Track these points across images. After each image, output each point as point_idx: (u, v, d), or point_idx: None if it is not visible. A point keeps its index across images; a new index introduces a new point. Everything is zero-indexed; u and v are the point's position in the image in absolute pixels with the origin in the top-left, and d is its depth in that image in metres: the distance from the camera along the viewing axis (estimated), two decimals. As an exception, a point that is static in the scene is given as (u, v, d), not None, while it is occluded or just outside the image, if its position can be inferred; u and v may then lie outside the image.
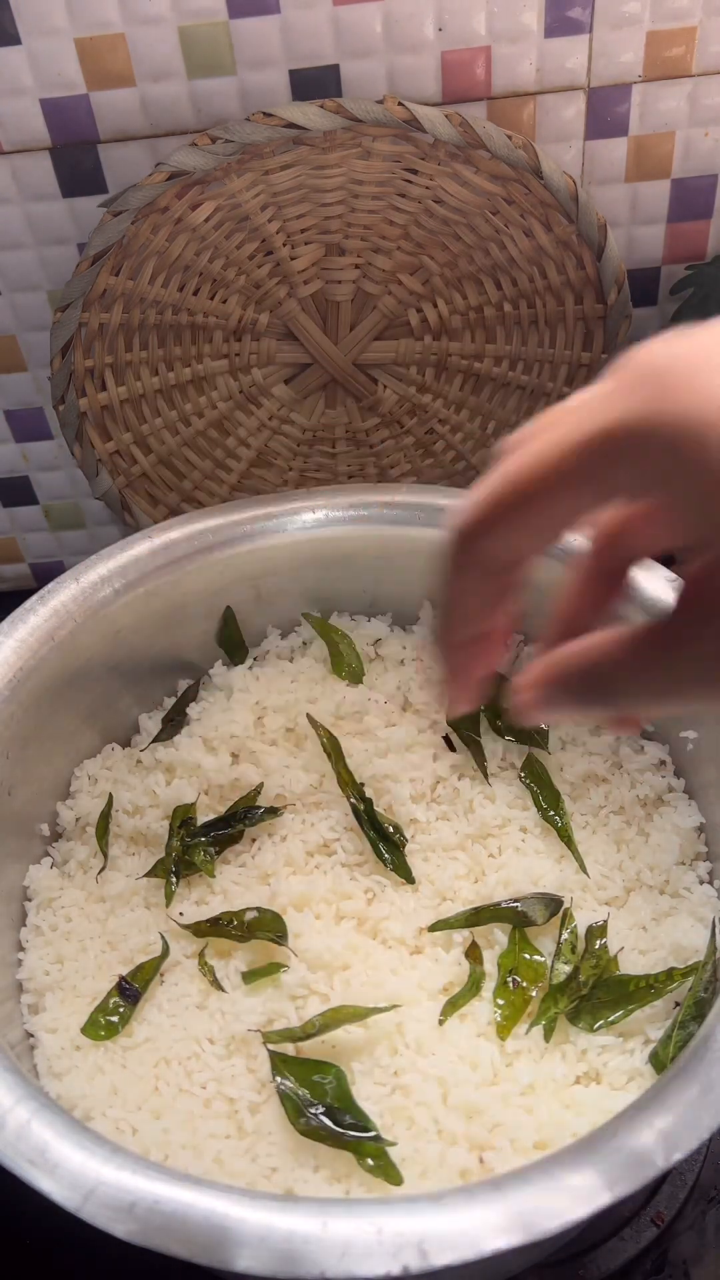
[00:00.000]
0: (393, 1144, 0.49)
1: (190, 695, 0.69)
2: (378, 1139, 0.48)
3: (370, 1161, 0.48)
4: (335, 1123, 0.49)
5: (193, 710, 0.68)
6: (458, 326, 0.75)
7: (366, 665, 0.70)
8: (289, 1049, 0.52)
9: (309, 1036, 0.51)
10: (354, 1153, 0.48)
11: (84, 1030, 0.55)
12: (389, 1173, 0.48)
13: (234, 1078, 0.52)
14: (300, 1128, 0.49)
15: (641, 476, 0.28)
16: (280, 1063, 0.51)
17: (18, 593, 0.72)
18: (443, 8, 0.65)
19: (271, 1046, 0.52)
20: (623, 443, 0.27)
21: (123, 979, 0.56)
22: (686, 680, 0.30)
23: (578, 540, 0.33)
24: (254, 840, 0.62)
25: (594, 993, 0.54)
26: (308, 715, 0.64)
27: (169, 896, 0.59)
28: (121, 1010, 0.55)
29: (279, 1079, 0.50)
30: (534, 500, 0.29)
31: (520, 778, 0.63)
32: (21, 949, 0.59)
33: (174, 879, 0.60)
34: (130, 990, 0.55)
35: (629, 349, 0.29)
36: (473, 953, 0.56)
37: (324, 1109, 0.49)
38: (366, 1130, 0.49)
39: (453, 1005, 0.54)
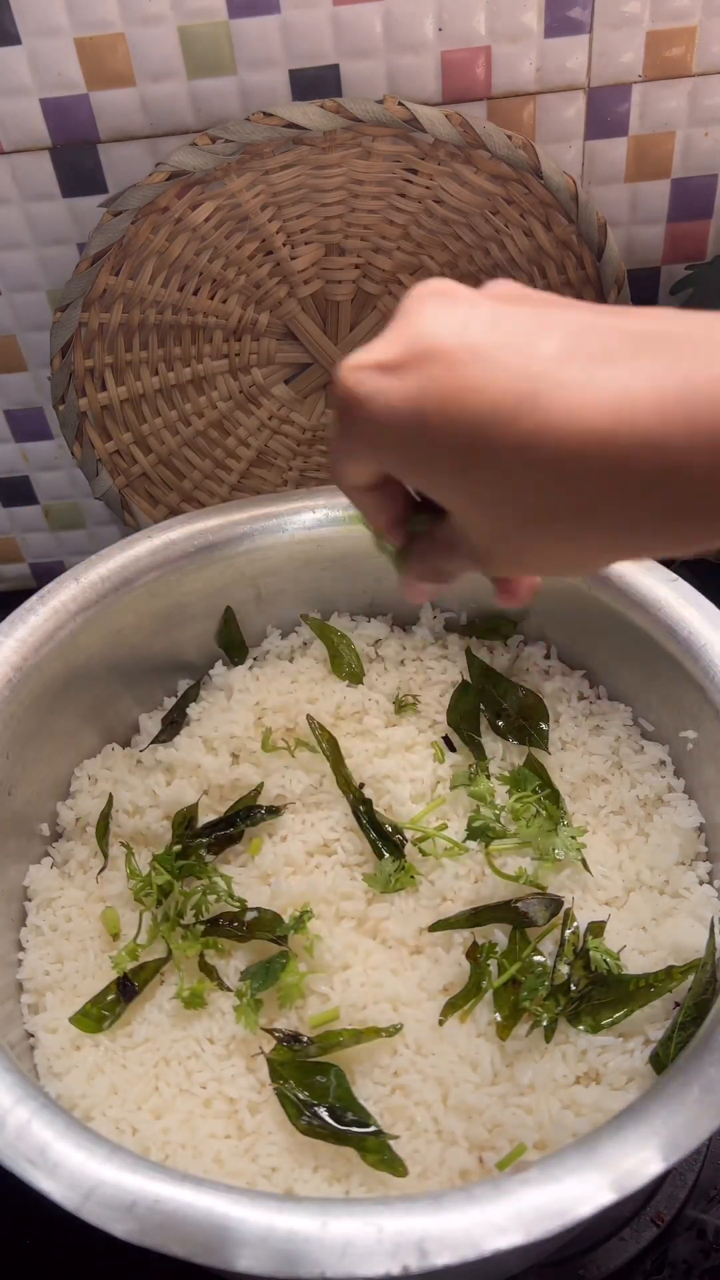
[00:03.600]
0: (395, 1137, 0.49)
1: (190, 695, 0.69)
2: (379, 1133, 0.48)
3: (373, 1155, 0.48)
4: (336, 1120, 0.49)
5: (193, 710, 0.68)
6: (458, 326, 0.75)
7: (366, 665, 0.70)
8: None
9: (308, 1057, 0.51)
10: (356, 1148, 0.48)
11: (73, 1019, 0.55)
12: (393, 1165, 0.48)
13: (234, 1078, 0.52)
14: (301, 1127, 0.49)
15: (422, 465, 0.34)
16: (279, 1067, 0.51)
17: (18, 593, 0.72)
18: (443, 8, 0.65)
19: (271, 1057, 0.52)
20: (409, 441, 0.33)
21: (124, 976, 0.56)
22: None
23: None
24: (254, 840, 0.62)
25: (594, 993, 0.53)
26: (307, 716, 0.64)
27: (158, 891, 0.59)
28: (116, 1007, 0.55)
29: (279, 1084, 0.51)
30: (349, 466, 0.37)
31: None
32: (21, 949, 0.59)
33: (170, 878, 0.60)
34: (129, 988, 0.55)
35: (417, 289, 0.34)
36: (473, 953, 0.56)
37: (324, 1108, 0.49)
38: (367, 1125, 0.49)
39: (453, 1006, 0.54)
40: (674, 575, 0.61)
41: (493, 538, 0.35)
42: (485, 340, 0.32)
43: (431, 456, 0.33)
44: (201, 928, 0.57)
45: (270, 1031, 0.52)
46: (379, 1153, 0.48)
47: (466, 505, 0.34)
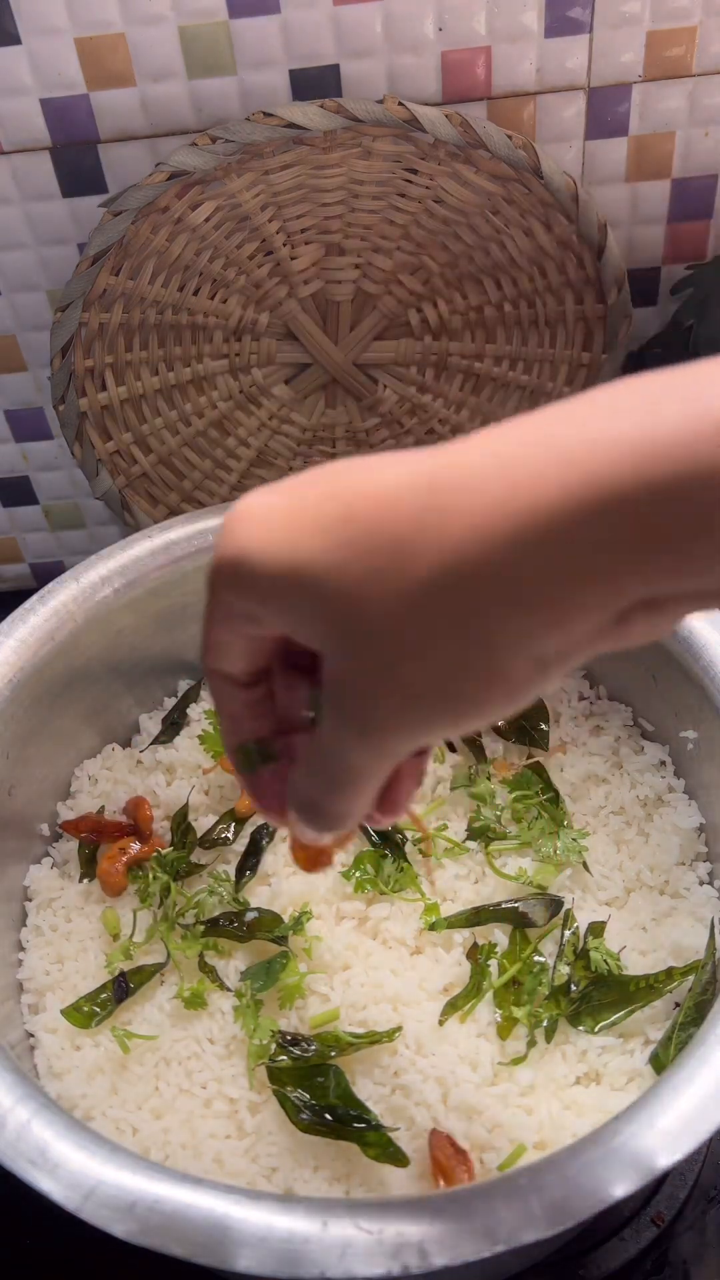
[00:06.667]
0: (395, 1129, 0.49)
1: (191, 695, 0.69)
2: (379, 1127, 0.48)
3: (374, 1150, 0.48)
4: (335, 1117, 0.49)
5: (193, 711, 0.68)
6: (458, 326, 0.75)
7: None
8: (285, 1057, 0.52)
9: (308, 1064, 0.51)
10: (356, 1142, 0.48)
11: (64, 1012, 0.55)
12: (396, 1158, 0.48)
13: (234, 1078, 0.52)
14: (302, 1125, 0.49)
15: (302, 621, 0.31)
16: (278, 1072, 0.51)
17: (18, 593, 0.72)
18: (443, 8, 0.65)
19: (270, 1063, 0.52)
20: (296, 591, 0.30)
21: (121, 975, 0.56)
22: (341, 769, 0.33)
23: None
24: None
25: (594, 993, 0.53)
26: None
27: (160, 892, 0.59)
28: (108, 1005, 0.55)
29: (278, 1087, 0.50)
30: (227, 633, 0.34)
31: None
32: (22, 949, 0.59)
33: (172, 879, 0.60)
34: (124, 987, 0.55)
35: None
36: (473, 953, 0.56)
37: (325, 1108, 0.49)
38: (367, 1120, 0.49)
39: (453, 1006, 0.54)
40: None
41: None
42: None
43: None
44: (201, 928, 0.57)
45: (273, 1034, 0.52)
46: (380, 1146, 0.48)
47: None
